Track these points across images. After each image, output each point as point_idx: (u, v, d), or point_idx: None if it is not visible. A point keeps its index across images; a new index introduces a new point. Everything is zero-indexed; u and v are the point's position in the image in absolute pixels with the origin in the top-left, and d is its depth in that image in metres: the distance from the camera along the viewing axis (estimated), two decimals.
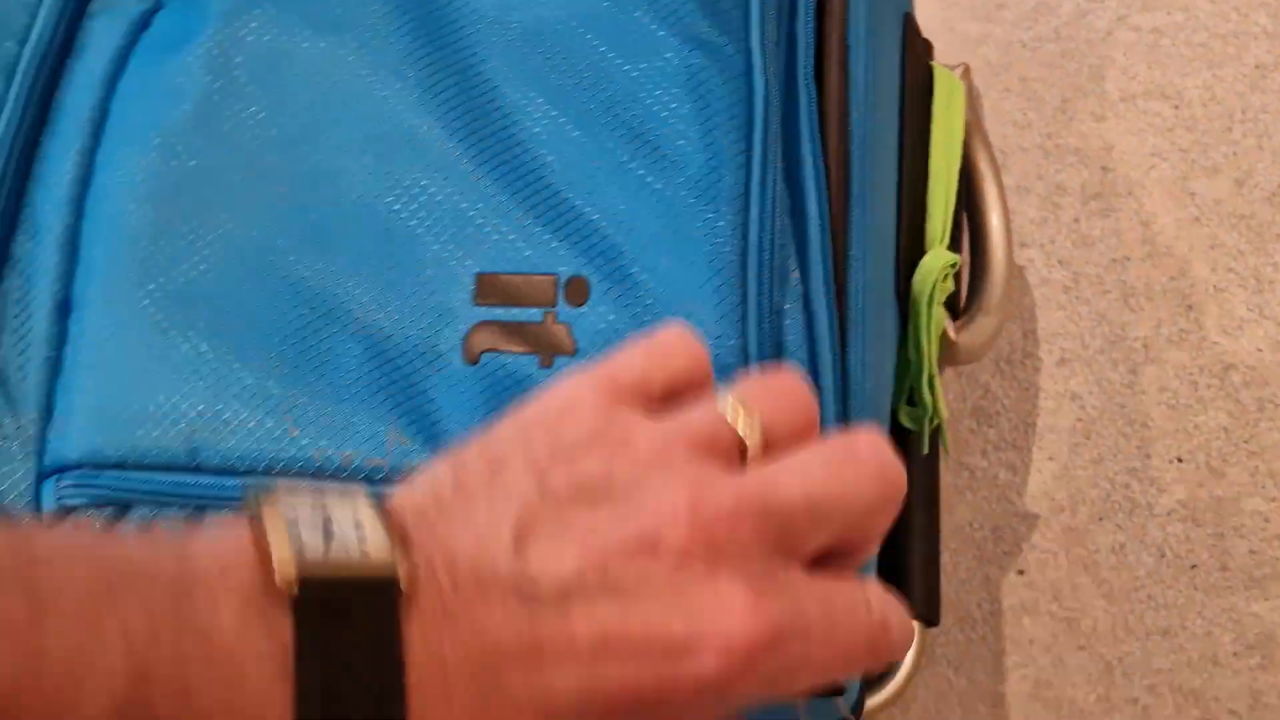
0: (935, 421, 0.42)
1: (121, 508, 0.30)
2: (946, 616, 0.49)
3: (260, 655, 0.18)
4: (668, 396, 0.24)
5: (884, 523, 0.23)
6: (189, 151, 0.32)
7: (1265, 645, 0.47)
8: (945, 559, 0.50)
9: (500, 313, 0.29)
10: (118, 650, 0.17)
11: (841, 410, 0.30)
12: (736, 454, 0.22)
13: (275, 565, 0.19)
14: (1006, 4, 0.62)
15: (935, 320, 0.40)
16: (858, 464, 0.22)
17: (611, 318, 0.28)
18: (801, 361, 0.28)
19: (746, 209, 0.29)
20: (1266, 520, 0.49)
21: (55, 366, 0.32)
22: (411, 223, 0.30)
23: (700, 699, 0.20)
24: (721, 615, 0.20)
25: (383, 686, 0.18)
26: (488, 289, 0.29)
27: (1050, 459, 0.52)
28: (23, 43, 0.35)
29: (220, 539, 0.20)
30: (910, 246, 0.40)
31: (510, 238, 0.29)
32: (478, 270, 0.29)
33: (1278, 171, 0.55)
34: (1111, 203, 0.56)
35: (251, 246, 0.31)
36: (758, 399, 0.23)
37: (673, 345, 0.24)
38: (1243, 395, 0.51)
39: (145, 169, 0.32)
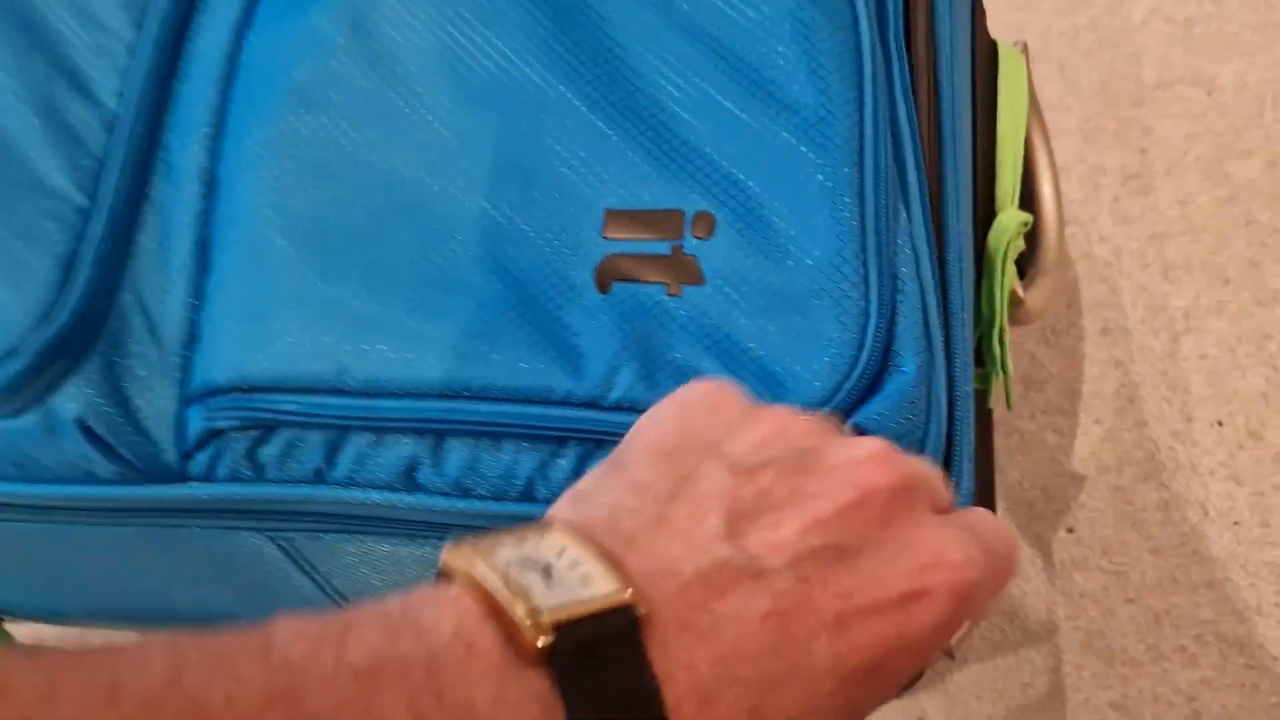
0: (1000, 375, 0.44)
1: (267, 429, 0.32)
2: None
3: (525, 717, 0.18)
4: None
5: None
6: (324, 92, 0.34)
7: None
8: (998, 517, 0.52)
9: (629, 245, 0.31)
10: None
11: (945, 340, 0.32)
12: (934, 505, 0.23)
13: (519, 623, 0.18)
14: None
15: (1009, 276, 0.42)
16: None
17: (737, 249, 0.30)
18: (913, 294, 0.30)
19: (861, 150, 0.31)
20: None
21: (199, 296, 0.34)
22: (543, 163, 0.32)
23: (936, 638, 0.21)
24: (943, 556, 0.21)
25: (648, 715, 0.18)
26: (617, 223, 0.31)
27: (1096, 422, 0.54)
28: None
29: (442, 610, 0.19)
30: (984, 205, 0.42)
31: (637, 176, 0.31)
32: (606, 206, 0.31)
33: None
34: (1150, 182, 0.59)
35: (387, 184, 0.33)
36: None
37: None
38: (1279, 362, 0.53)
39: (280, 109, 0.34)
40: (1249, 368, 0.54)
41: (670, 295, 0.30)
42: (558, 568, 0.19)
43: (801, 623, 0.19)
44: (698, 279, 0.30)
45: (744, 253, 0.30)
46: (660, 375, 0.29)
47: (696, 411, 0.23)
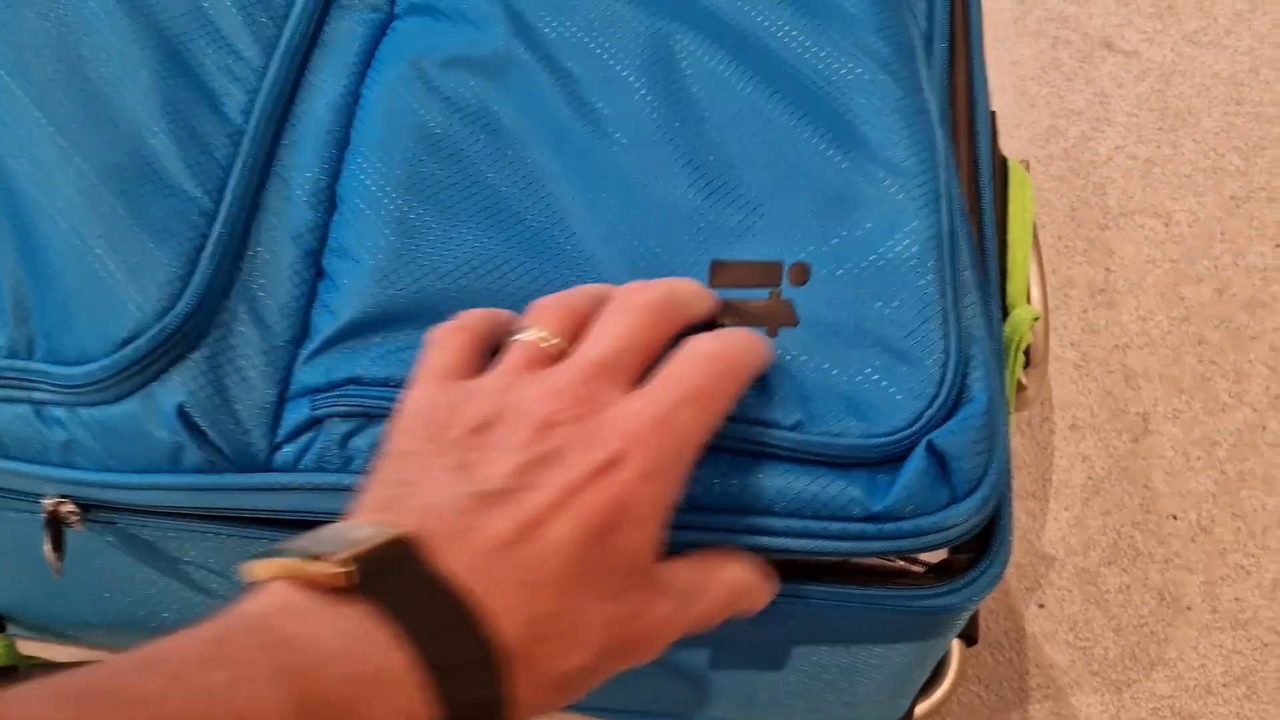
0: None
1: (366, 418, 0.34)
2: (979, 641, 0.54)
3: (362, 633, 0.23)
4: (484, 355, 0.31)
5: (666, 329, 0.30)
6: (455, 142, 0.37)
7: (1249, 678, 0.54)
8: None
9: (732, 293, 0.34)
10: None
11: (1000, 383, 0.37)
12: (555, 355, 0.29)
13: (328, 571, 0.24)
14: (1023, 124, 0.72)
15: (1019, 365, 0.46)
16: (629, 308, 0.30)
17: (830, 293, 0.34)
18: (982, 341, 0.35)
19: (938, 212, 0.35)
20: (1248, 573, 0.57)
21: (311, 291, 0.36)
22: (657, 223, 0.36)
23: (648, 490, 0.27)
24: (621, 424, 0.27)
25: (446, 598, 0.24)
26: (721, 274, 0.35)
27: (1065, 509, 0.59)
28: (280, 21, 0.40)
29: (261, 595, 0.25)
30: (999, 301, 0.47)
31: (740, 232, 0.35)
32: (711, 259, 0.35)
33: (1251, 285, 0.65)
34: (1114, 298, 0.65)
35: (515, 217, 0.36)
36: (546, 312, 0.30)
37: (451, 328, 0.31)
38: (1226, 468, 0.59)
39: (408, 146, 0.37)
40: (1200, 470, 0.59)
41: (769, 335, 0.34)
42: (342, 532, 0.25)
43: (533, 513, 0.26)
44: (793, 322, 0.34)
45: (837, 294, 0.34)
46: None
47: (428, 393, 0.30)
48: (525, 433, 0.27)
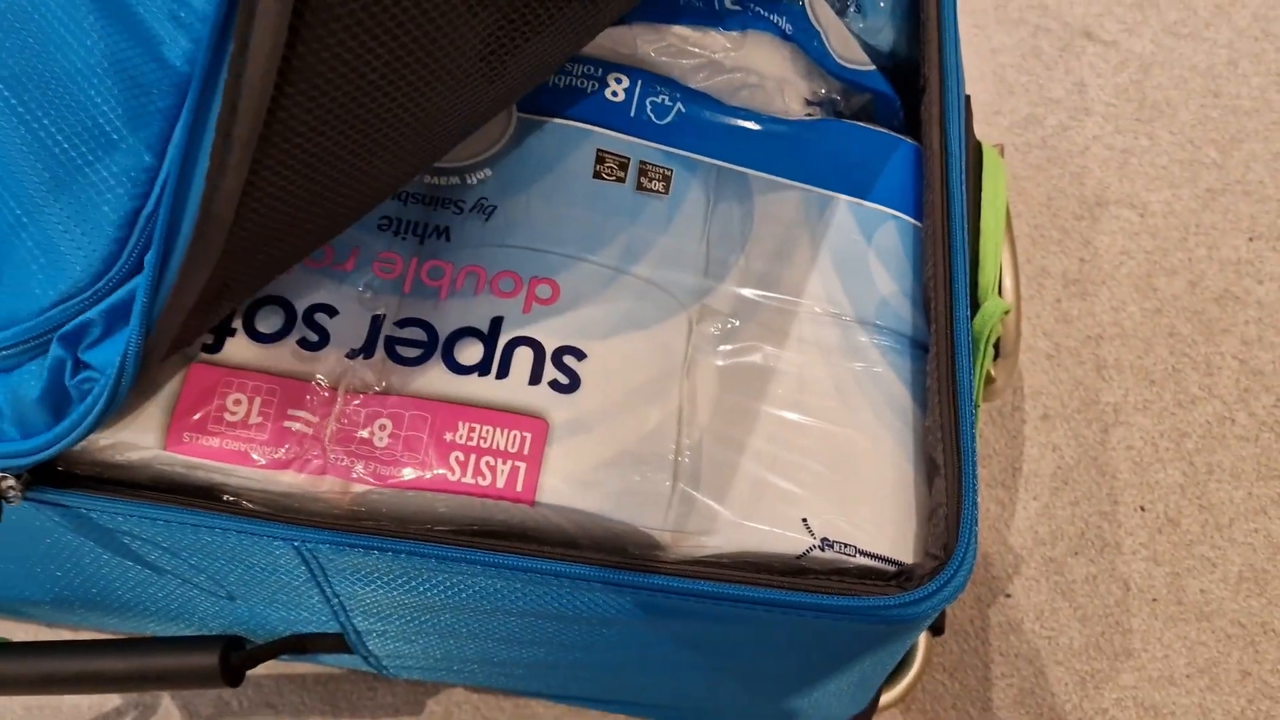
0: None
1: None
2: (945, 630, 0.55)
3: None
4: None
5: None
6: None
7: (1212, 670, 0.54)
8: None
9: None
10: None
11: (953, 393, 0.36)
12: None
13: None
14: (1002, 111, 0.72)
15: (988, 358, 0.46)
16: None
17: None
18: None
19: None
20: (1214, 565, 0.57)
21: None
22: None
23: None
24: None
25: None
26: None
27: (1034, 499, 0.59)
28: None
29: None
30: (970, 292, 0.47)
31: None
32: None
33: (1224, 278, 0.65)
34: (1087, 288, 0.65)
35: None
36: None
37: None
38: (1195, 460, 0.60)
39: None
40: (1169, 461, 0.59)
41: None
42: None
43: None
44: None
45: None
46: None
47: None
48: None
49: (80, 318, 0.32)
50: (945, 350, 0.39)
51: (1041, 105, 0.72)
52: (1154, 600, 0.56)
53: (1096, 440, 0.60)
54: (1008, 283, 0.57)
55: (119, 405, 0.33)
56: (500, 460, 0.35)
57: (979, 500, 0.57)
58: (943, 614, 0.52)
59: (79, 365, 0.33)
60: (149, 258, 0.31)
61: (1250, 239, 0.66)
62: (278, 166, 0.30)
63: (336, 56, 0.28)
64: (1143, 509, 0.58)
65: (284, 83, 0.28)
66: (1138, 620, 0.55)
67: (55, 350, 0.32)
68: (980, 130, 0.71)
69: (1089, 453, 0.60)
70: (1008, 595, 0.56)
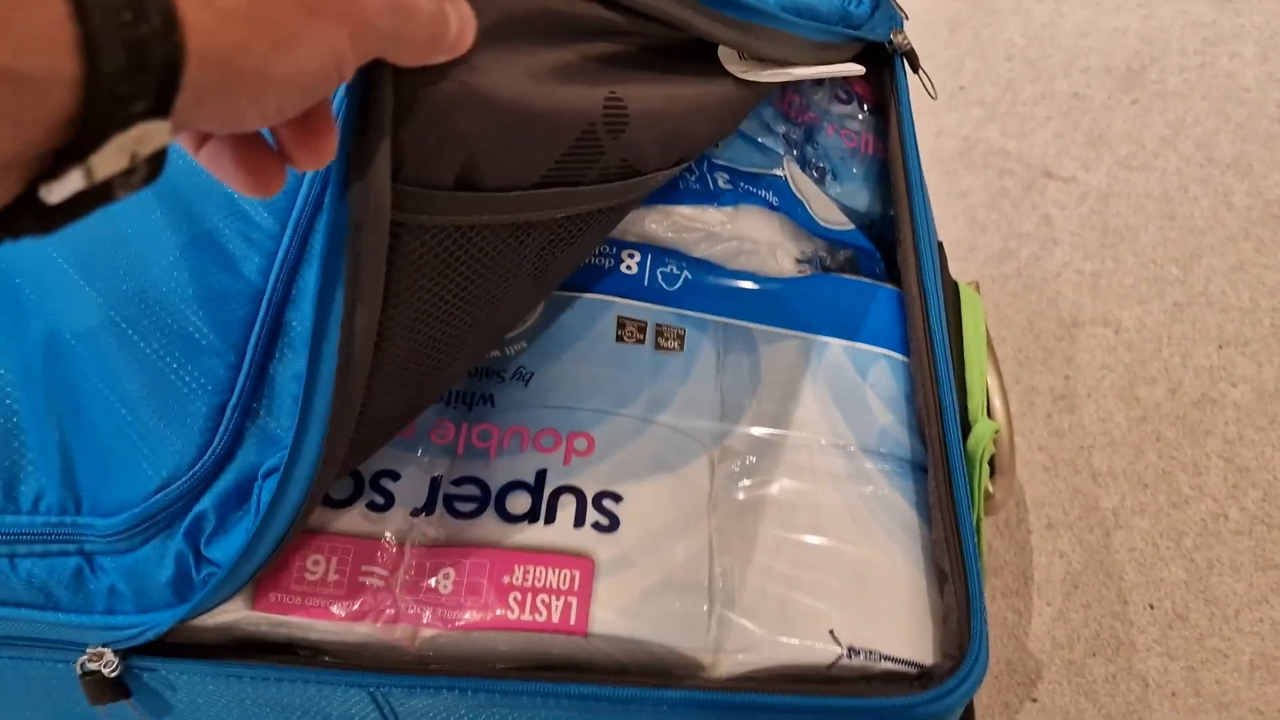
0: (980, 558, 0.52)
1: None
2: None
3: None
4: None
5: None
6: None
7: None
8: None
9: None
10: None
11: (953, 514, 0.41)
12: None
13: None
14: (977, 248, 0.78)
15: (984, 475, 0.51)
16: None
17: None
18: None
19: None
20: (1225, 656, 0.60)
21: None
22: None
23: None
24: None
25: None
26: None
27: (1048, 604, 0.62)
28: (293, 195, 0.45)
29: None
30: (961, 418, 0.52)
31: None
32: None
33: (1199, 384, 0.70)
34: (1075, 403, 0.70)
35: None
36: None
37: None
38: (1195, 556, 0.63)
39: None
40: (1170, 559, 0.63)
41: None
42: None
43: None
44: None
45: None
46: None
47: None
48: None
49: (195, 509, 0.37)
50: (942, 470, 0.43)
51: (1013, 239, 0.78)
52: (1173, 694, 0.59)
53: (1100, 544, 0.64)
54: (996, 403, 0.62)
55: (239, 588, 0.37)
56: (554, 597, 0.40)
57: (997, 608, 0.61)
58: (972, 715, 0.55)
59: (200, 559, 0.37)
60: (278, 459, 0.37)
61: (1220, 346, 0.72)
62: (380, 381, 0.35)
63: (420, 299, 0.34)
64: (1151, 606, 0.61)
65: (384, 323, 0.33)
66: (1159, 715, 0.58)
67: (180, 543, 0.37)
68: (958, 265, 0.77)
69: (1095, 557, 0.63)
70: (1034, 700, 0.59)
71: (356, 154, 0.30)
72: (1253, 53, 0.86)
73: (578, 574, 0.40)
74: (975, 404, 0.54)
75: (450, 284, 0.35)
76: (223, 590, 0.37)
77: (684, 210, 0.47)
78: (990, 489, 0.54)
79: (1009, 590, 0.62)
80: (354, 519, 0.42)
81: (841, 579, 0.41)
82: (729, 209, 0.48)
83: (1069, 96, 0.85)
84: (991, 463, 0.55)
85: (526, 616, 0.39)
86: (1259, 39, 0.87)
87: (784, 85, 0.53)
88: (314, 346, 0.32)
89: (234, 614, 0.40)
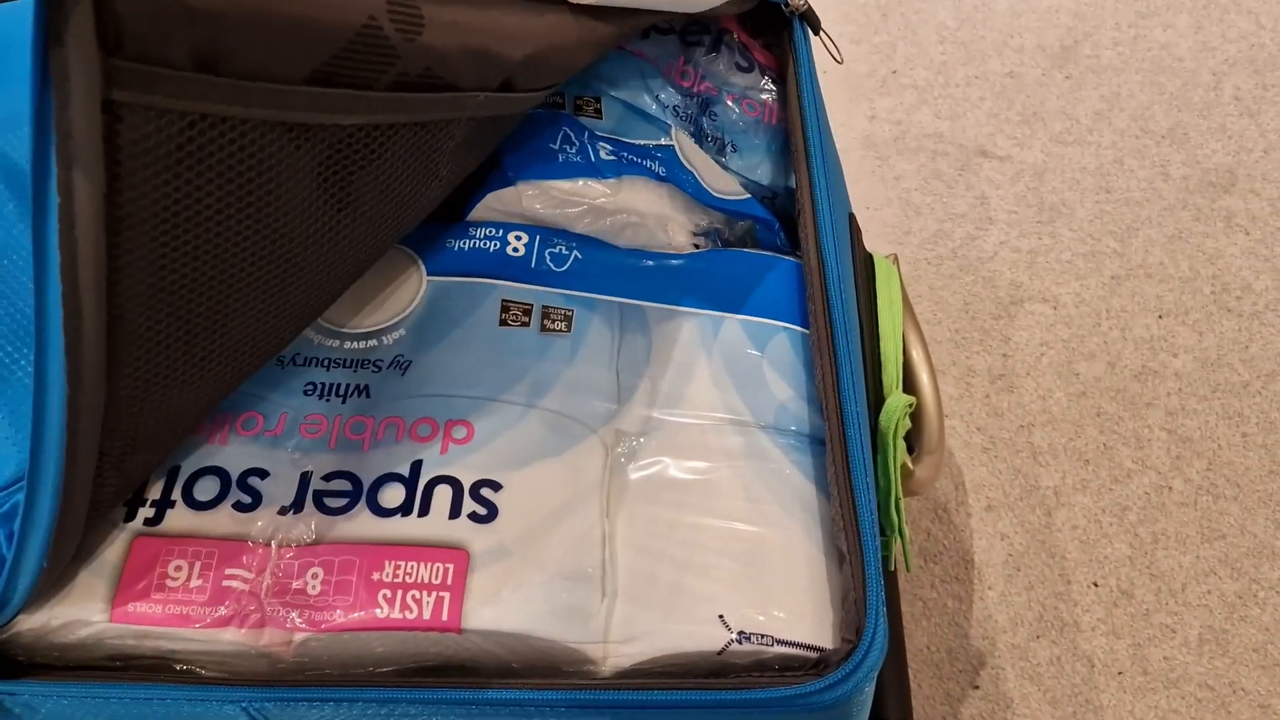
0: (899, 540, 0.50)
1: None
2: None
3: None
4: None
5: None
6: None
7: None
8: (910, 679, 0.57)
9: None
10: None
11: (851, 495, 0.39)
12: None
13: None
14: (912, 231, 0.77)
15: (900, 450, 0.49)
16: None
17: None
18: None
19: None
20: (1173, 631, 0.57)
21: None
22: None
23: None
24: None
25: None
26: None
27: (989, 588, 0.60)
28: None
29: None
30: (875, 391, 0.50)
31: None
32: None
33: (1139, 356, 0.68)
34: (1014, 381, 0.68)
35: None
36: None
37: None
38: (1139, 531, 0.61)
39: None
40: (1114, 536, 0.61)
41: None
42: None
43: None
44: None
45: None
46: None
47: None
48: None
49: (14, 498, 0.34)
50: (839, 444, 0.41)
51: (948, 220, 0.77)
52: (1120, 674, 0.56)
53: (1042, 524, 0.62)
54: (923, 379, 0.60)
55: (32, 576, 0.35)
56: (425, 592, 0.37)
57: (936, 596, 0.59)
58: (909, 707, 0.52)
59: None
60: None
61: (1160, 316, 0.70)
62: (133, 304, 0.31)
63: (168, 197, 0.30)
64: (1095, 585, 0.59)
65: (115, 226, 0.29)
66: (1107, 695, 0.56)
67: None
68: (892, 250, 0.75)
69: (1036, 537, 0.61)
70: (976, 687, 0.57)
71: (56, 23, 0.26)
72: (1186, 23, 0.85)
73: (451, 568, 0.38)
74: (890, 377, 0.52)
75: (209, 186, 0.31)
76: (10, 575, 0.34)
77: (562, 185, 0.45)
78: (910, 465, 0.52)
79: (948, 576, 0.60)
80: (220, 520, 0.39)
81: (735, 561, 0.39)
82: (611, 181, 0.46)
83: (1003, 76, 0.84)
84: (908, 439, 0.53)
85: (397, 614, 0.37)
86: (1193, 9, 0.86)
87: (677, 55, 0.51)
88: (36, 248, 0.28)
89: (95, 627, 0.38)
